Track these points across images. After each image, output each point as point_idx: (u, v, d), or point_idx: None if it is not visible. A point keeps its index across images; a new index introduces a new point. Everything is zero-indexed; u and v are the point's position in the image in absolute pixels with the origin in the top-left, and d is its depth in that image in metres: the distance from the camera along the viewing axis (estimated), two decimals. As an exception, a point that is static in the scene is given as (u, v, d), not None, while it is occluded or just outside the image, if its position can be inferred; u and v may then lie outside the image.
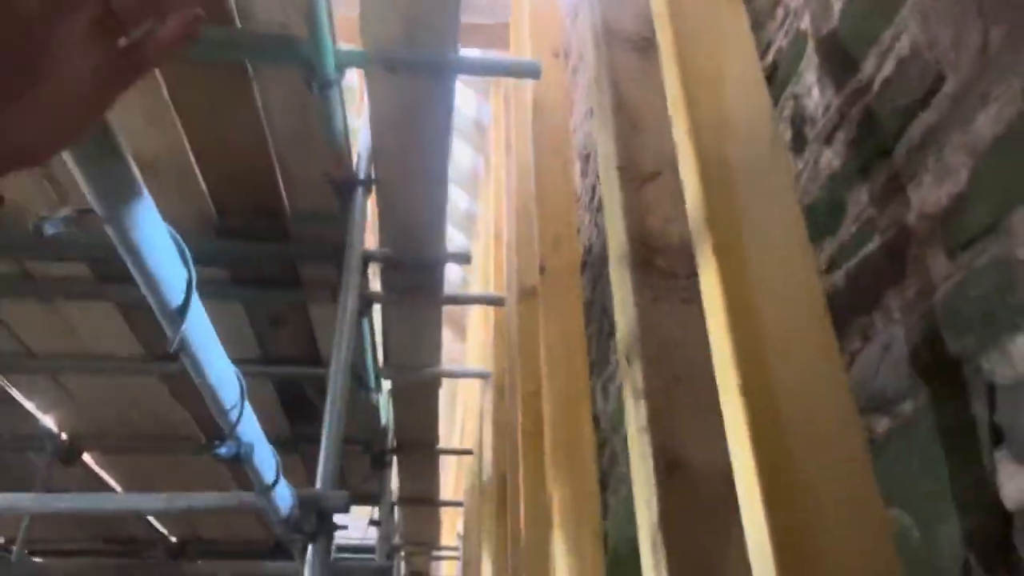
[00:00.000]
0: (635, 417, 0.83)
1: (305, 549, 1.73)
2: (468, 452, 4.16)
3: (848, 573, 0.52)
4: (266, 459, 1.36)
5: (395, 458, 4.10)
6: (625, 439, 1.71)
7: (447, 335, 3.69)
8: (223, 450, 1.17)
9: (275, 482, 1.44)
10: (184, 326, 0.93)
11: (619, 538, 1.63)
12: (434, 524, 5.59)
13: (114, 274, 2.59)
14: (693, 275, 0.80)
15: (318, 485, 1.81)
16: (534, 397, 1.90)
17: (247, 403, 1.21)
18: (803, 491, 0.55)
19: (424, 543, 5.87)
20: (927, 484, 0.60)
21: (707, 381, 0.82)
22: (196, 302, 0.95)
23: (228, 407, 1.13)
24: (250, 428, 1.24)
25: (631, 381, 0.85)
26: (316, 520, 1.72)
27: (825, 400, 0.59)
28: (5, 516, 3.59)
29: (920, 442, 0.61)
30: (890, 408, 0.64)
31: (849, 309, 0.69)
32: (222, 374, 1.09)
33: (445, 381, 4.12)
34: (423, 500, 4.89)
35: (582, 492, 1.44)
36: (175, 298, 0.90)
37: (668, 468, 0.77)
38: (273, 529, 1.70)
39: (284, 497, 1.55)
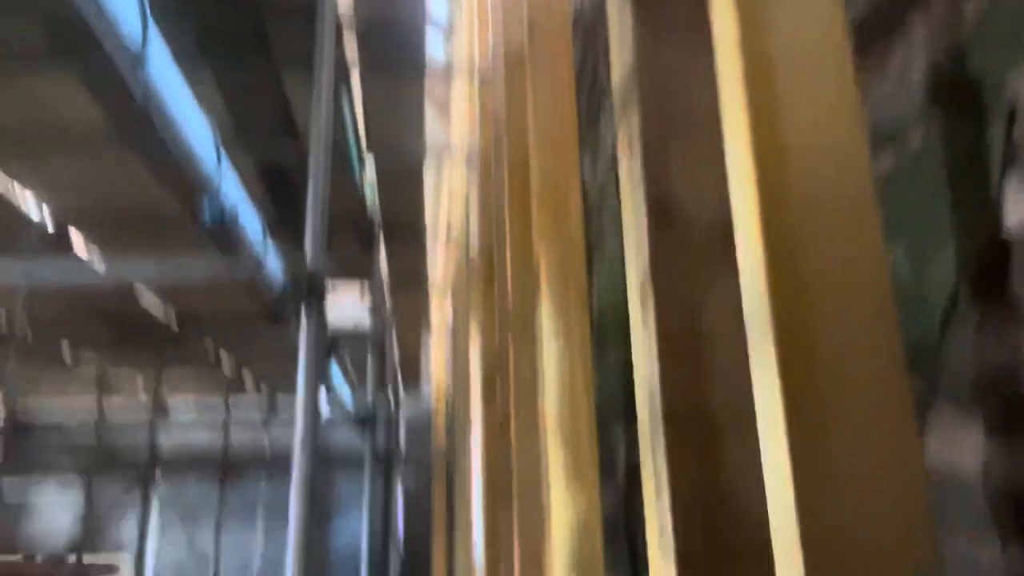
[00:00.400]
0: (629, 165, 0.80)
1: (299, 316, 1.78)
2: (454, 233, 4.20)
3: (844, 313, 0.51)
4: (252, 223, 1.34)
5: (383, 239, 4.15)
6: (612, 209, 1.71)
7: (431, 115, 3.58)
8: (207, 213, 1.15)
9: (264, 247, 1.43)
10: (147, 70, 0.86)
11: (603, 303, 1.68)
12: (422, 304, 5.80)
13: (75, 41, 2.43)
14: (700, 7, 0.73)
15: (307, 255, 1.82)
16: (521, 168, 1.86)
17: (226, 162, 1.17)
18: (805, 238, 0.53)
19: (413, 322, 6.13)
20: (925, 218, 0.59)
21: (706, 126, 0.78)
22: (158, 45, 0.87)
23: (207, 171, 1.09)
24: (232, 190, 1.21)
25: (626, 127, 0.81)
26: (308, 287, 1.75)
27: (836, 139, 0.56)
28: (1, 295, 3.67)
29: (925, 175, 0.58)
30: (898, 141, 0.61)
31: (870, 36, 0.64)
32: (195, 129, 1.03)
33: (429, 165, 4.06)
34: (411, 281, 5.03)
35: (568, 257, 1.46)
36: (134, 38, 0.83)
37: (661, 216, 0.76)
38: (266, 297, 1.73)
39: (275, 263, 1.56)
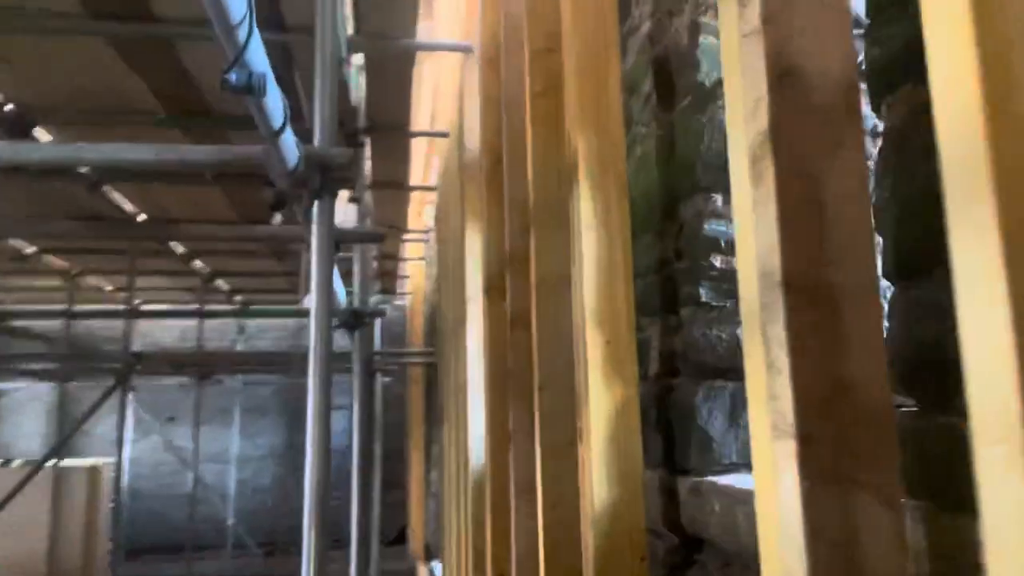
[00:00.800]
0: (741, 20, 0.73)
1: (310, 205, 1.69)
2: (443, 134, 4.06)
3: None
4: (275, 99, 1.24)
5: (367, 140, 3.99)
6: (644, 98, 1.63)
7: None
8: (232, 76, 1.04)
9: (283, 126, 1.34)
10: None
11: (634, 194, 1.62)
12: (403, 208, 5.68)
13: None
14: None
15: (316, 142, 1.71)
16: (545, 55, 1.76)
17: (256, 27, 1.06)
18: None
19: (394, 226, 6.02)
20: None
21: (834, -25, 0.71)
22: None
23: (235, 21, 0.98)
24: (259, 58, 1.10)
25: (740, -23, 0.74)
26: (320, 176, 1.65)
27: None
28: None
29: None
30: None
31: None
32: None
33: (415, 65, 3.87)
34: (394, 184, 4.90)
35: (607, 145, 1.39)
36: None
37: (781, 75, 0.70)
38: (276, 184, 1.63)
39: (290, 147, 1.47)
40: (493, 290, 2.42)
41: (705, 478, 1.24)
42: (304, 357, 5.33)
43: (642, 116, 1.58)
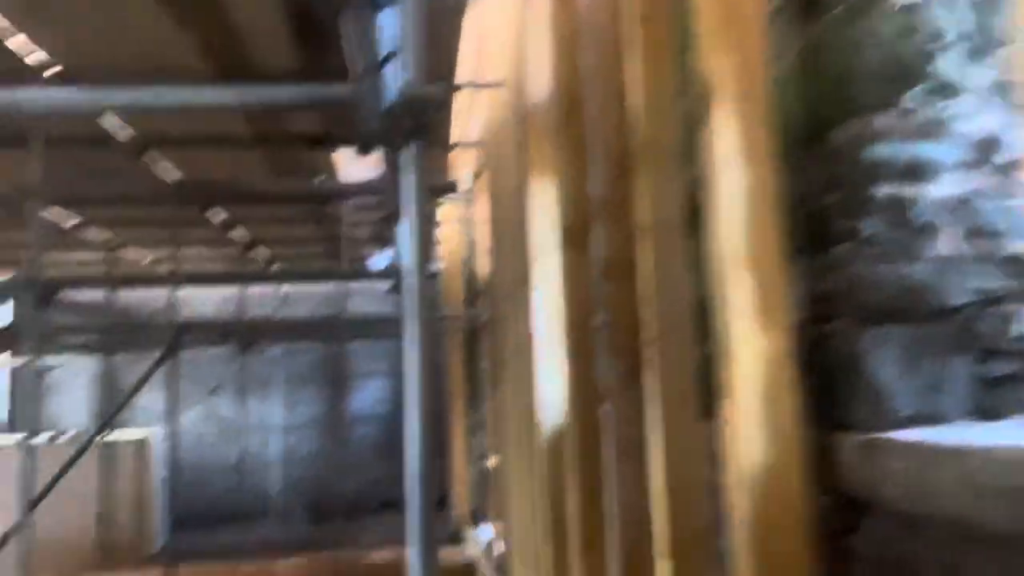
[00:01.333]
0: None
1: (399, 150, 1.56)
2: (498, 85, 3.88)
3: None
4: (392, 20, 1.10)
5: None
6: (774, 14, 1.46)
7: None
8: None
9: (389, 56, 1.20)
10: None
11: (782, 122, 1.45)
12: (445, 168, 5.52)
13: None
14: None
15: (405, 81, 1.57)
16: (648, -26, 1.60)
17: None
18: None
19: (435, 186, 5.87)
20: None
21: None
22: None
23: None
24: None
25: None
26: (412, 117, 1.52)
27: None
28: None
29: None
30: None
31: None
32: None
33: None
34: (441, 142, 4.75)
35: (748, 62, 1.24)
36: None
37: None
38: (365, 124, 1.50)
39: (389, 82, 1.33)
40: (573, 242, 2.28)
41: (879, 434, 1.11)
42: (349, 323, 5.25)
43: (770, 35, 1.41)
